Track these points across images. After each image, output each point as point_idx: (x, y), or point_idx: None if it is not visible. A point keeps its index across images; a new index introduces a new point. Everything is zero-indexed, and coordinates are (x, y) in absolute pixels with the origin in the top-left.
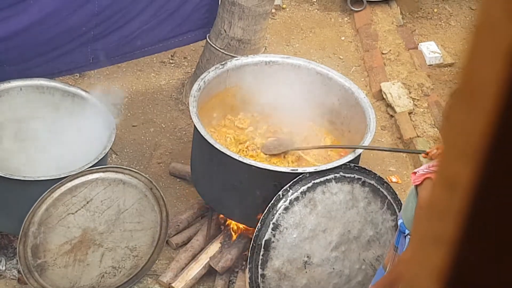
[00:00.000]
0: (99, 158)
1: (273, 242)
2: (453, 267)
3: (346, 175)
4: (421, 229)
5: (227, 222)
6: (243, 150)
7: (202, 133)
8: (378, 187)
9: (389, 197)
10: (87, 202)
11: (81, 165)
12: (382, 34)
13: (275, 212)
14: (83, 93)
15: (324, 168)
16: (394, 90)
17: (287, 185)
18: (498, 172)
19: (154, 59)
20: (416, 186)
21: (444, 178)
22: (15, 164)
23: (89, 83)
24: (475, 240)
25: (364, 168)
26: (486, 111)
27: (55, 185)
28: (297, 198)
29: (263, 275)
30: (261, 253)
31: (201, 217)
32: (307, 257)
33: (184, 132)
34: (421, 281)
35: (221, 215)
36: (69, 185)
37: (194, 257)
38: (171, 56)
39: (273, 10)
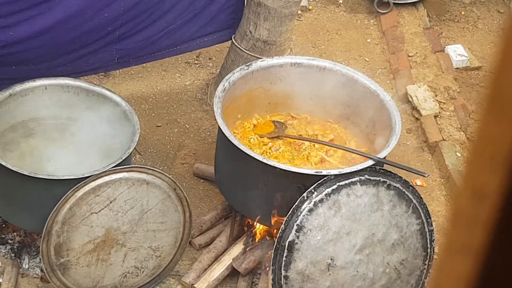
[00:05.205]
0: (123, 158)
1: (297, 243)
2: (481, 276)
3: (371, 178)
4: (449, 238)
5: (250, 223)
6: (267, 152)
7: (226, 134)
8: (404, 190)
9: (414, 201)
10: (111, 202)
11: (105, 165)
12: (409, 37)
13: (299, 213)
14: (107, 92)
15: (349, 171)
16: (420, 93)
17: (312, 187)
18: None
19: (179, 59)
20: None
21: (472, 187)
22: (39, 162)
23: (114, 82)
24: (503, 249)
25: (390, 171)
26: None
27: (78, 184)
28: (321, 200)
29: (286, 277)
30: (285, 254)
31: (224, 218)
32: (331, 259)
33: (208, 133)
34: None
35: (245, 216)
36: (93, 184)
37: (217, 258)
38: (196, 56)
39: (299, 12)
